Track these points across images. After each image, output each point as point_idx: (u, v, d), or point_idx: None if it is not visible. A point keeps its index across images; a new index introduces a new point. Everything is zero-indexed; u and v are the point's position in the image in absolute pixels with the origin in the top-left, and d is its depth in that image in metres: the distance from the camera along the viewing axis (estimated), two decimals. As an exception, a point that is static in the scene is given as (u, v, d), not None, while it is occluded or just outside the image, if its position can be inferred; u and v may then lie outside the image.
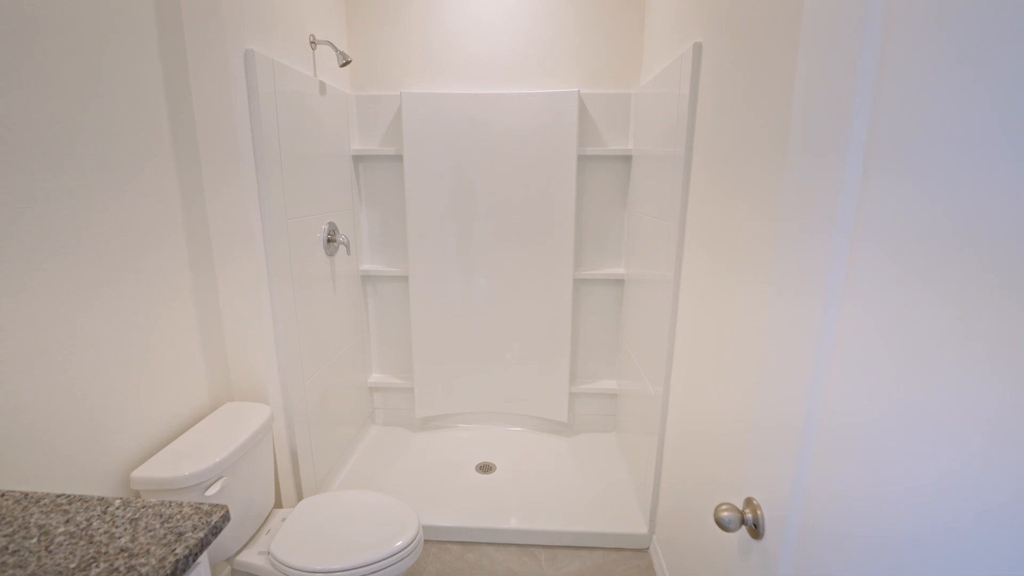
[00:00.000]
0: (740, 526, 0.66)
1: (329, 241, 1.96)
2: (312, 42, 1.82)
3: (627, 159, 2.18)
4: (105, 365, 1.13)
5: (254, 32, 1.47)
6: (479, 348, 2.37)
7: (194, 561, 0.68)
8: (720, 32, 1.22)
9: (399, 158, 2.21)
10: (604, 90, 2.14)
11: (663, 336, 1.58)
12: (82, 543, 0.68)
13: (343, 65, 1.85)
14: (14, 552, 0.66)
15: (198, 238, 1.43)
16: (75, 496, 0.78)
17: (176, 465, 1.19)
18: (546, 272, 2.24)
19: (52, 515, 0.73)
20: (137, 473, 1.16)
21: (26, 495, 0.78)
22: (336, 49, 1.83)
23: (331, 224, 1.98)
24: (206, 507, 0.75)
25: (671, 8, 1.66)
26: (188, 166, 1.39)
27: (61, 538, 0.69)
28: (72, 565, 0.64)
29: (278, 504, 1.69)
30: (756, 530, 0.65)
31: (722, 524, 0.66)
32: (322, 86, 1.88)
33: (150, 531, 0.70)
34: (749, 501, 0.67)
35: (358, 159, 2.25)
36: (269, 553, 1.29)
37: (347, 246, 1.98)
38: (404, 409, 2.51)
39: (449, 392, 2.42)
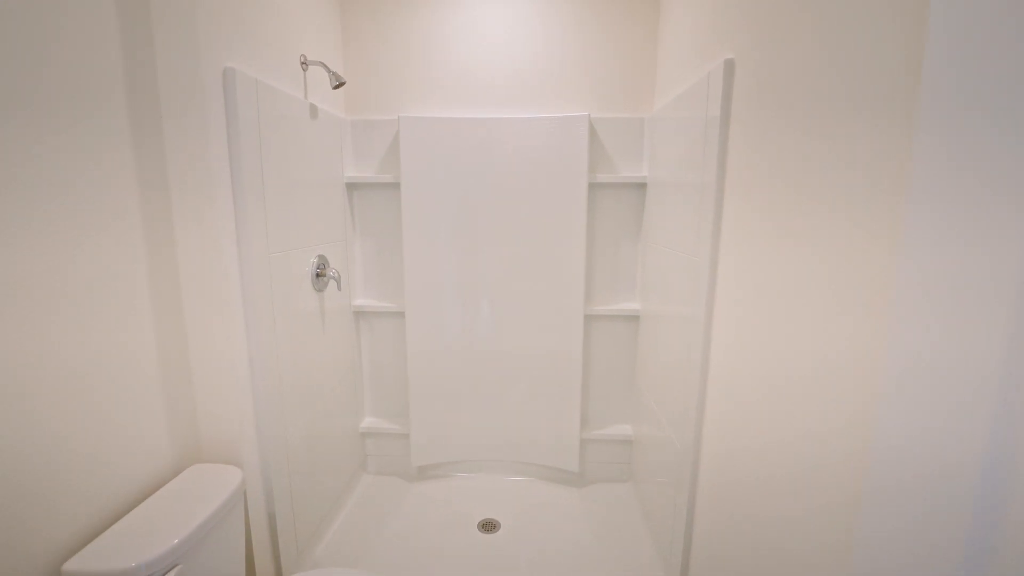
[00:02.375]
0: None
1: (318, 275, 1.79)
2: (303, 63, 1.69)
3: (641, 187, 2.04)
4: (39, 423, 0.94)
5: (236, 49, 1.33)
6: (481, 391, 2.17)
7: None
8: (762, 45, 1.07)
9: (396, 186, 2.06)
10: (616, 114, 2.01)
11: (692, 378, 1.40)
12: None
13: (336, 87, 1.72)
14: None
15: (164, 275, 1.26)
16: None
17: (119, 553, 0.98)
18: (554, 308, 2.07)
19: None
20: (70, 566, 0.95)
21: None
22: (329, 70, 1.70)
23: (321, 257, 1.81)
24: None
25: (691, 26, 1.53)
26: (155, 197, 1.22)
27: None
28: None
29: (252, 580, 1.47)
30: None
31: None
32: (313, 109, 1.74)
33: None
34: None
35: (352, 187, 2.10)
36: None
37: (338, 281, 1.80)
38: (399, 456, 2.29)
39: (448, 438, 2.21)
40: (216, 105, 1.26)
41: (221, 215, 1.29)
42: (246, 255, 1.37)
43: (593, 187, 2.04)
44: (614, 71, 1.99)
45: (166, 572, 1.01)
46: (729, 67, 1.21)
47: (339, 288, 1.81)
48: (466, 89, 2.03)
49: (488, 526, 1.95)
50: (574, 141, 1.93)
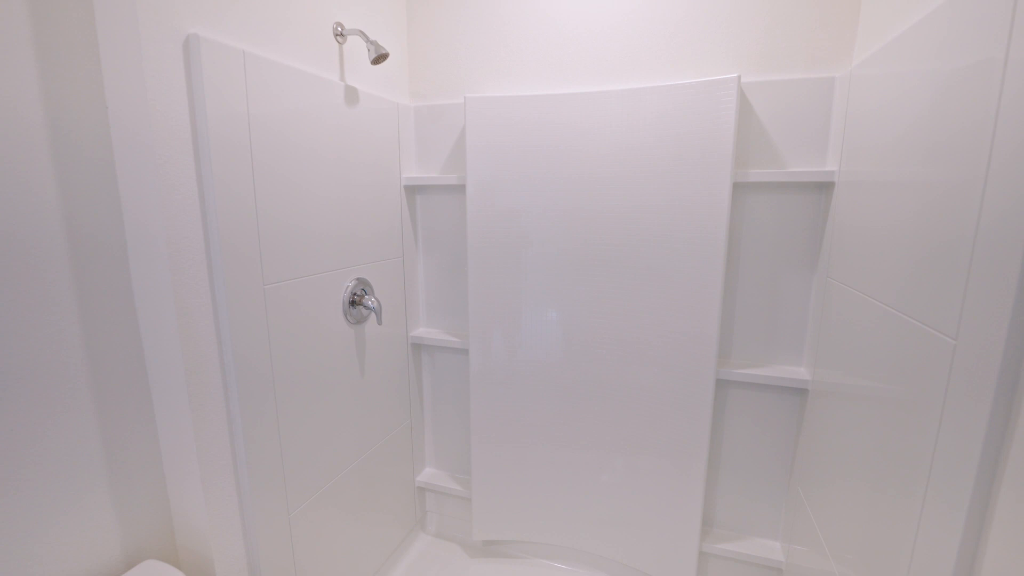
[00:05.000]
0: None
1: (353, 304, 1.41)
2: (339, 33, 1.30)
3: (824, 188, 1.30)
4: None
5: (208, 6, 0.97)
6: (563, 460, 1.63)
7: None
8: None
9: (464, 188, 1.60)
10: (784, 75, 1.29)
11: (908, 509, 0.70)
12: None
13: (376, 60, 1.30)
14: None
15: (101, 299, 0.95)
16: None
17: None
18: (672, 363, 1.43)
19: None
20: None
21: None
22: (367, 39, 1.29)
23: (360, 281, 1.43)
24: None
25: None
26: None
27: None
28: None
29: None
30: None
31: None
32: (351, 93, 1.35)
33: None
34: None
35: (413, 190, 1.69)
36: None
37: (377, 313, 1.40)
38: (462, 519, 1.87)
39: (519, 511, 1.72)
40: (170, 87, 0.91)
41: (186, 244, 0.95)
42: (222, 289, 1.01)
43: (741, 188, 1.36)
44: (782, 7, 1.26)
45: None
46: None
47: (379, 322, 1.41)
48: (555, 55, 1.47)
49: (557, 657, 1.42)
50: (712, 119, 1.27)
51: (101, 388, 0.95)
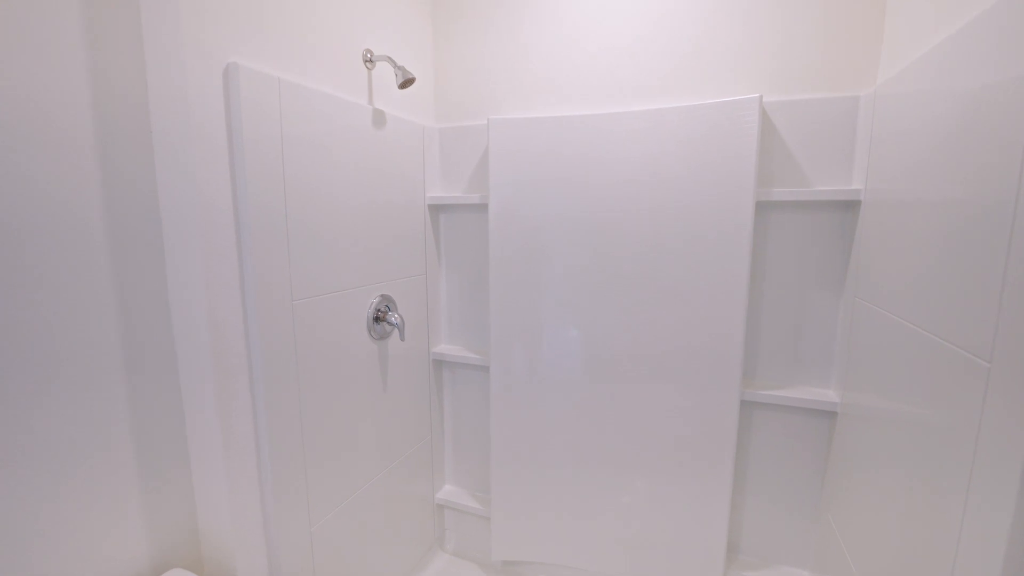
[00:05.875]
0: None
1: (376, 320, 1.44)
2: (368, 59, 1.36)
3: (850, 207, 1.28)
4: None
5: (248, 39, 1.02)
6: (584, 480, 1.61)
7: None
8: None
9: (487, 208, 1.63)
10: (807, 94, 1.29)
11: (944, 545, 0.67)
12: None
13: (403, 85, 1.34)
14: None
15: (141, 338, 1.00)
16: None
17: None
18: (695, 383, 1.41)
19: None
20: None
21: None
22: (395, 64, 1.34)
23: (384, 297, 1.46)
24: None
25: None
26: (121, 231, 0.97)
27: None
28: None
29: None
30: None
31: None
32: (379, 116, 1.39)
33: None
34: None
35: (437, 209, 1.73)
36: None
37: (400, 329, 1.43)
38: (481, 538, 1.85)
39: (538, 532, 1.70)
40: (210, 114, 0.96)
41: (220, 258, 0.99)
42: (253, 304, 1.05)
43: (764, 207, 1.35)
44: (803, 26, 1.27)
45: None
46: None
47: (402, 338, 1.43)
48: (575, 77, 1.50)
49: None
50: (734, 139, 1.27)
51: (136, 398, 0.98)
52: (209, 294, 0.98)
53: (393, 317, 1.45)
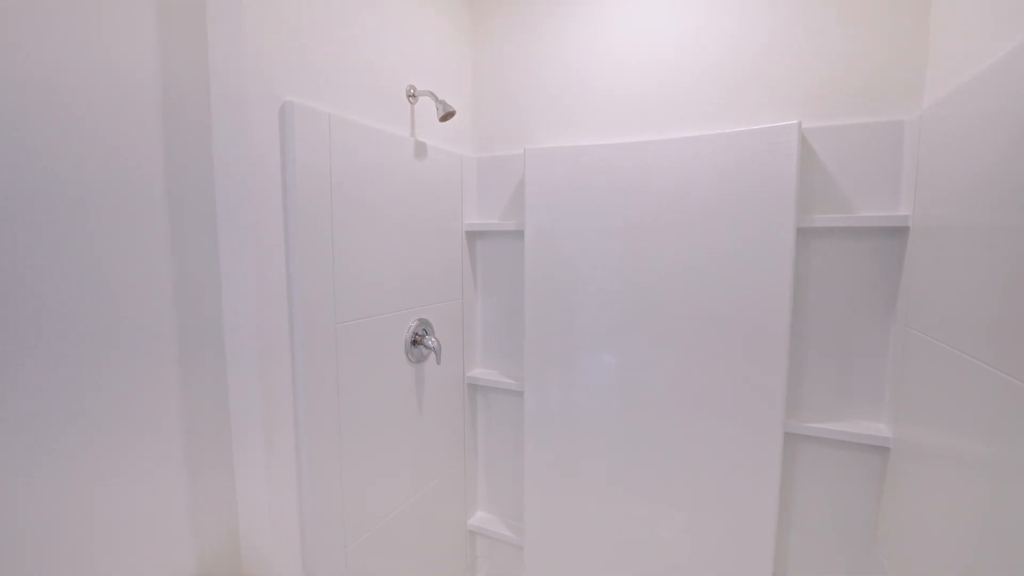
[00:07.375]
0: None
1: (414, 343, 1.47)
2: (411, 94, 1.43)
3: (898, 233, 1.24)
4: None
5: (303, 78, 1.10)
6: (619, 512, 1.57)
7: None
8: None
9: (523, 234, 1.66)
10: (849, 119, 1.27)
11: None
12: None
13: (444, 118, 1.41)
14: None
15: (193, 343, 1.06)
16: None
17: None
18: (736, 414, 1.37)
19: None
20: None
21: None
22: (436, 99, 1.40)
23: (422, 321, 1.50)
24: None
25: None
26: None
27: None
28: None
29: None
30: None
31: None
32: (420, 147, 1.46)
33: None
34: None
35: (474, 236, 1.77)
36: None
37: (437, 352, 1.45)
38: (513, 568, 1.82)
39: (572, 563, 1.65)
40: (266, 149, 1.03)
41: (268, 279, 1.05)
42: (300, 327, 1.10)
43: (806, 233, 1.32)
44: (840, 48, 1.26)
45: None
46: None
47: (438, 361, 1.46)
48: (611, 104, 1.53)
49: None
50: (772, 166, 1.26)
51: (186, 397, 1.04)
52: (260, 319, 1.04)
53: (430, 341, 1.48)
